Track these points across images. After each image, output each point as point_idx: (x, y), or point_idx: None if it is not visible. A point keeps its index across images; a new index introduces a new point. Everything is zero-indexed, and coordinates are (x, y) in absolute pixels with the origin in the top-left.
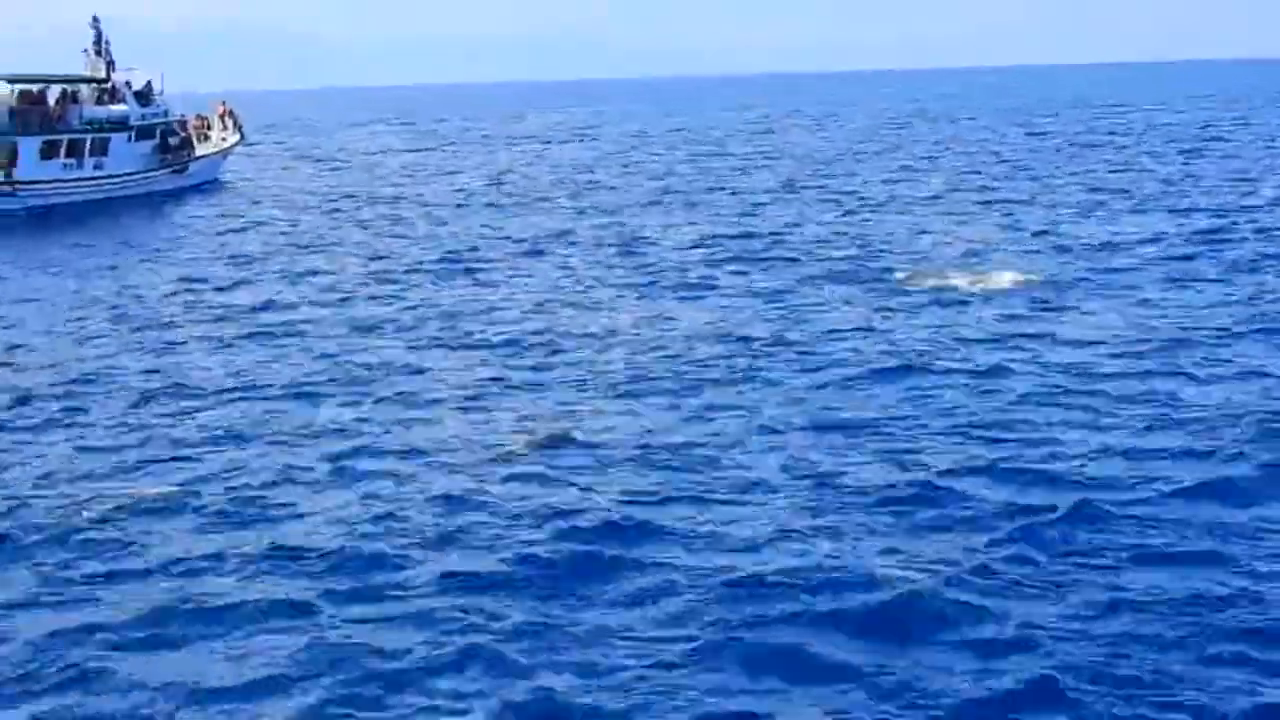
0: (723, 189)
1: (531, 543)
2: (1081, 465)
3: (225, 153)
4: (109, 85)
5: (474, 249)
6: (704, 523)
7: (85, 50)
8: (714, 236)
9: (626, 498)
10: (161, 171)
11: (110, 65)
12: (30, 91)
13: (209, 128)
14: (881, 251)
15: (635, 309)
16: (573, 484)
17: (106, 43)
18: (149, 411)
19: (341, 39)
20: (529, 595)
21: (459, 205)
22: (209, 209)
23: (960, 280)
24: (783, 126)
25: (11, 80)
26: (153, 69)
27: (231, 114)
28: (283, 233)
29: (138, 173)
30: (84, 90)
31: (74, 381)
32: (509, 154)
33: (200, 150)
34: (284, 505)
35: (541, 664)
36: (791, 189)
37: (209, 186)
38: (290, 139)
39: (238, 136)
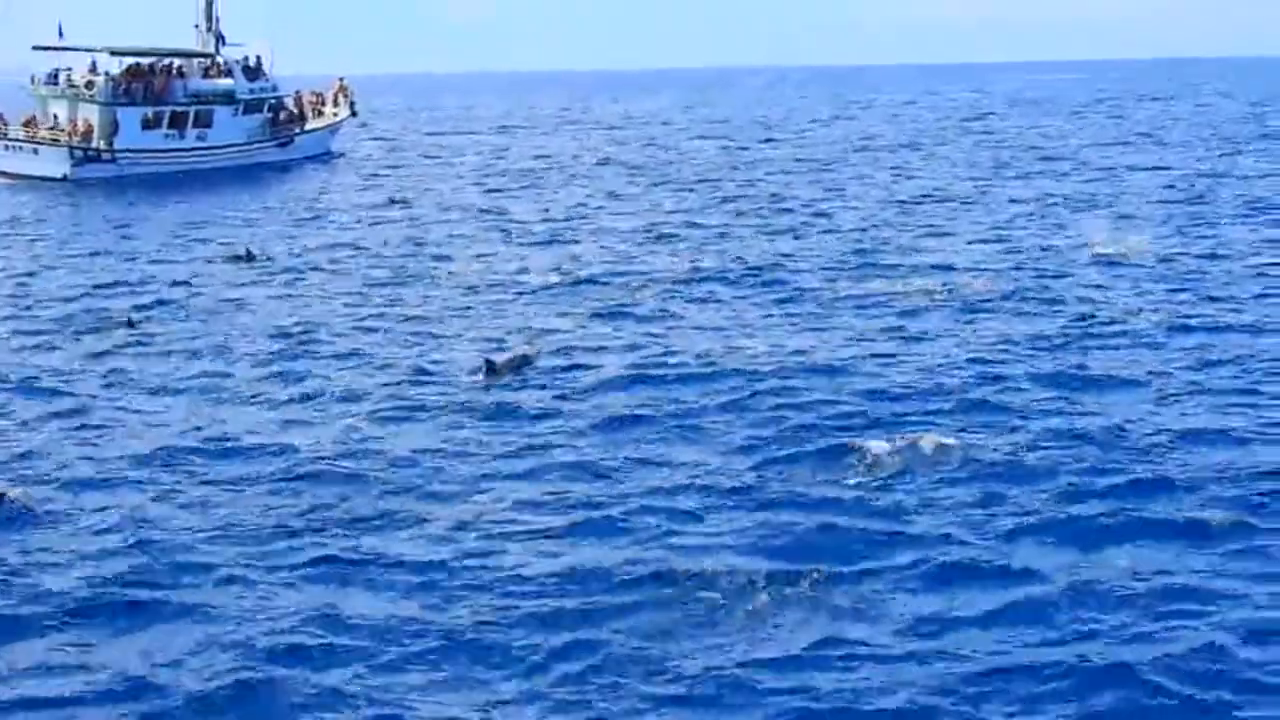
0: None
1: None
2: None
3: (333, 127)
4: (216, 60)
5: None
6: None
7: (196, 25)
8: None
9: None
10: (267, 144)
11: (219, 40)
12: (138, 65)
13: (323, 103)
14: None
15: None
16: None
17: (217, 19)
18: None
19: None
20: None
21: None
22: (300, 179)
23: None
24: None
25: (115, 53)
26: (263, 44)
27: (344, 90)
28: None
29: (241, 144)
30: (190, 64)
31: None
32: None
33: (311, 125)
34: None
35: None
36: None
37: (318, 159)
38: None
39: (348, 112)
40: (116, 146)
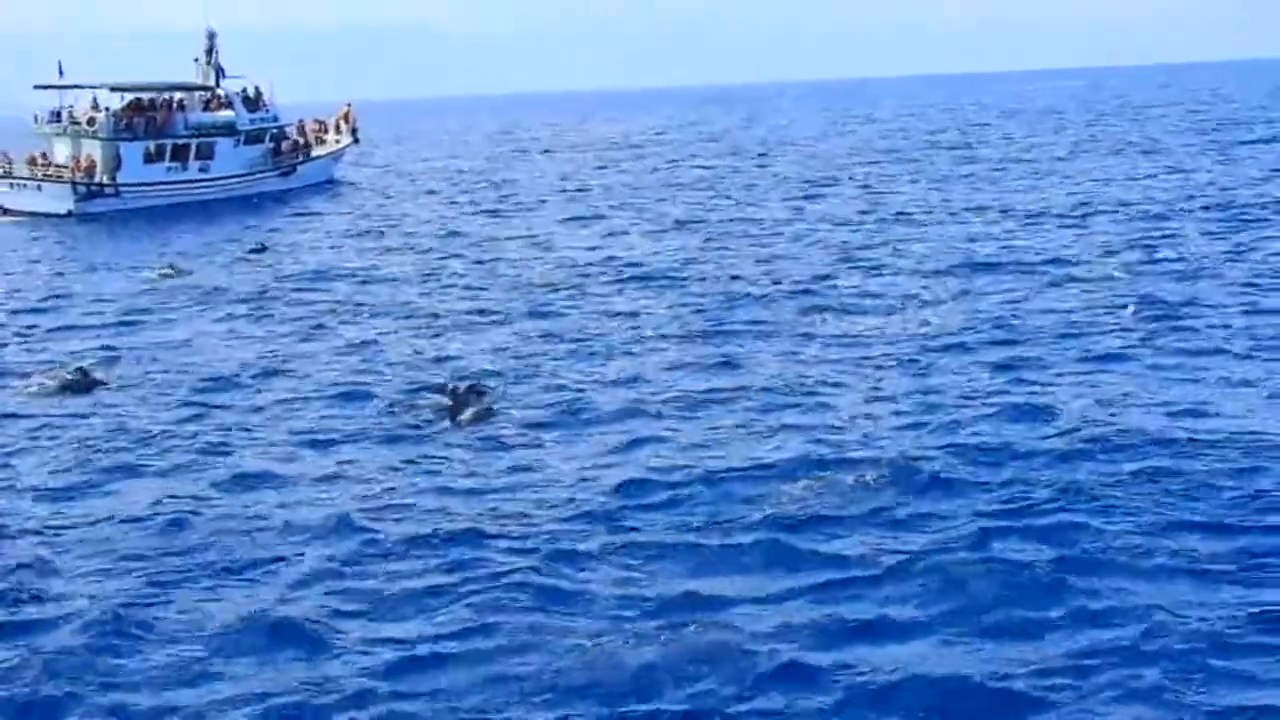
0: None
1: None
2: None
3: (336, 155)
4: (217, 92)
5: None
6: None
7: (196, 59)
8: None
9: None
10: (269, 174)
11: (219, 73)
12: (139, 100)
13: (325, 131)
14: None
15: None
16: None
17: (216, 52)
18: None
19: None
20: None
21: None
22: (296, 209)
23: None
24: None
25: (115, 89)
26: (265, 77)
27: (348, 117)
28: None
29: (242, 175)
30: (191, 97)
31: None
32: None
33: (313, 153)
34: None
35: None
36: None
37: (320, 187)
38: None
39: (350, 139)
40: (119, 181)
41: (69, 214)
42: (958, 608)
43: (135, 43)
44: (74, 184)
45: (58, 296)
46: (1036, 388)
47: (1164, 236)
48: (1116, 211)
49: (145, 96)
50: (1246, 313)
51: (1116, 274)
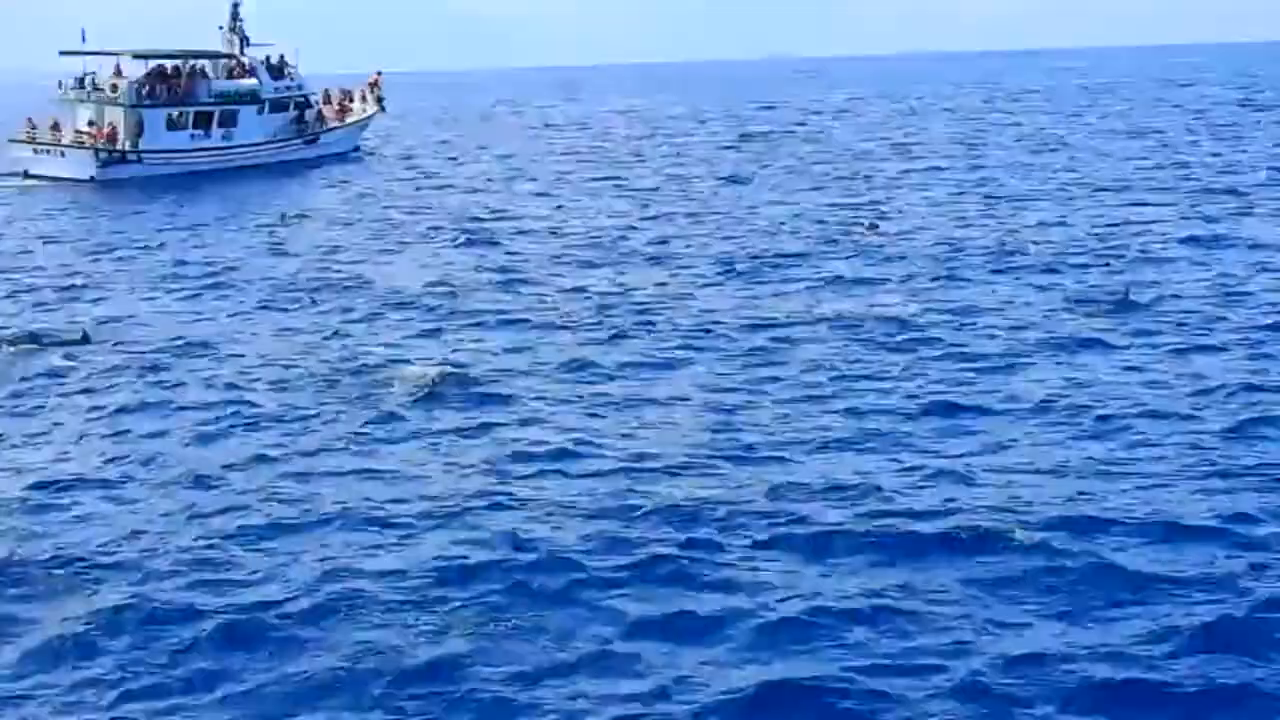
0: None
1: None
2: None
3: (361, 124)
4: (241, 59)
5: None
6: None
7: (221, 27)
8: None
9: None
10: (293, 142)
11: (244, 40)
12: (162, 67)
13: (351, 100)
14: None
15: None
16: None
17: (241, 20)
18: None
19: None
20: None
21: None
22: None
23: None
24: None
25: (139, 56)
26: (288, 44)
27: (375, 86)
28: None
29: (265, 143)
30: (214, 65)
31: None
32: None
33: (338, 122)
34: None
35: None
36: None
37: (344, 156)
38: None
39: (376, 109)
40: (142, 147)
41: (91, 180)
42: (830, 604)
43: (135, 19)
44: (96, 150)
45: (26, 268)
46: (997, 377)
47: (1150, 221)
48: (1103, 195)
49: (169, 63)
50: (1218, 300)
51: (1094, 260)
